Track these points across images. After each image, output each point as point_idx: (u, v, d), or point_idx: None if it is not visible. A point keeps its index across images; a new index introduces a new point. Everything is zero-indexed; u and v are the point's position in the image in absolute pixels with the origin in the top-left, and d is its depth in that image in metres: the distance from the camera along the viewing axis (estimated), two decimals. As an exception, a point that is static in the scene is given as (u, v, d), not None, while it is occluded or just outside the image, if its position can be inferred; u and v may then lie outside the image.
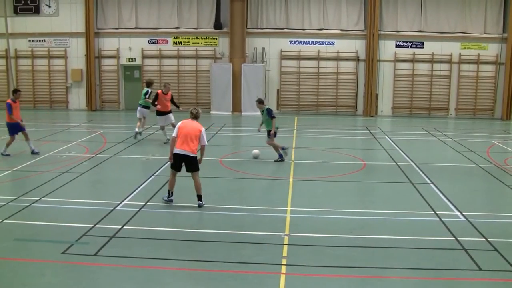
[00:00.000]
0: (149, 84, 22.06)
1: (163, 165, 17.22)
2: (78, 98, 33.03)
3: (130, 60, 32.44)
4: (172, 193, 13.30)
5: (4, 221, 11.98)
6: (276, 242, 10.59)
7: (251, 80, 30.43)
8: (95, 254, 10.04)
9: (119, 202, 13.28)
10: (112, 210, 12.70)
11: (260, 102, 18.43)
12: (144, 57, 32.23)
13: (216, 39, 31.58)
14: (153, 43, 32.10)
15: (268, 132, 18.15)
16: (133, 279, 9.10)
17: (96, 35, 32.33)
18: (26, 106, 33.25)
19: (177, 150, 12.86)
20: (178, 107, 21.87)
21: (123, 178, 16.16)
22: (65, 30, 32.55)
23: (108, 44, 32.57)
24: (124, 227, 11.52)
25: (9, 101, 18.84)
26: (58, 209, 13.02)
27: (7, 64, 33.44)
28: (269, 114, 17.95)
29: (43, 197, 13.76)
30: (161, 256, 9.91)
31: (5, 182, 15.61)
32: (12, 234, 11.25)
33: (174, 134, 13.00)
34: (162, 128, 21.41)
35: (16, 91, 19.32)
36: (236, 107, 30.88)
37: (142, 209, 12.76)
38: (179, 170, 13.17)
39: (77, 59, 32.77)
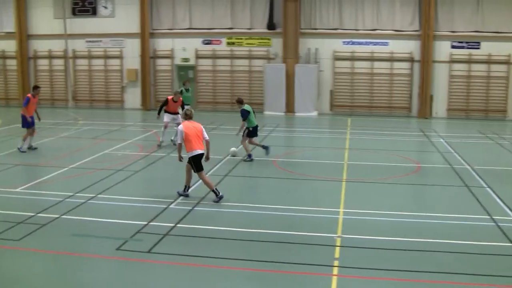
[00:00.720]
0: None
1: (217, 165, 17.36)
2: (133, 97, 33.55)
3: (184, 60, 32.79)
4: (188, 187, 13.86)
5: (62, 216, 12.31)
6: (328, 243, 10.56)
7: (304, 80, 30.37)
8: (149, 251, 10.21)
9: (173, 200, 13.46)
10: (165, 208, 12.89)
11: (238, 101, 18.57)
12: (198, 57, 32.53)
13: (270, 39, 31.63)
14: (207, 43, 32.36)
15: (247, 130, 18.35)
16: (185, 277, 9.23)
17: (151, 35, 32.78)
18: (83, 105, 34.12)
19: (198, 151, 13.40)
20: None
21: (176, 176, 16.30)
22: (121, 30, 33.13)
23: (162, 45, 32.99)
24: (177, 225, 11.68)
25: (29, 95, 19.81)
26: (113, 206, 13.28)
27: (65, 64, 34.26)
28: (241, 115, 18.10)
29: (99, 194, 14.06)
30: (213, 255, 10.00)
31: (62, 178, 16.01)
32: (69, 229, 11.55)
33: (180, 140, 13.49)
34: (166, 126, 21.22)
35: (36, 87, 20.44)
36: (289, 107, 30.87)
37: (195, 208, 12.90)
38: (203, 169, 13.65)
39: (132, 59, 33.30)
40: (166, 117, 21.06)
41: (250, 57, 31.91)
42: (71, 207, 12.95)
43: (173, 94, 21.38)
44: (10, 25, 34.70)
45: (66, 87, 34.57)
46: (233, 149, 18.65)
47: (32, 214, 12.41)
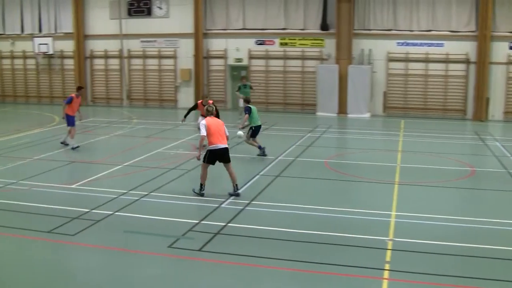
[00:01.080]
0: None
1: (269, 165, 17.40)
2: (186, 97, 33.85)
3: (237, 60, 32.95)
4: (204, 186, 14.00)
5: (115, 213, 12.55)
6: (380, 246, 10.47)
7: (357, 82, 30.13)
8: (200, 250, 10.31)
9: (224, 199, 13.56)
10: (217, 207, 12.99)
11: (246, 101, 19.95)
12: (251, 57, 32.64)
13: (323, 40, 31.50)
14: (260, 44, 32.44)
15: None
16: (235, 276, 9.28)
17: (204, 35, 33.06)
18: (137, 104, 34.61)
19: (220, 146, 13.71)
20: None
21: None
22: (175, 31, 33.50)
23: (216, 45, 33.23)
24: (229, 224, 11.75)
25: (73, 95, 20.35)
26: (166, 204, 13.46)
27: (120, 64, 34.87)
28: (244, 111, 19.38)
29: (151, 192, 14.27)
30: (263, 255, 10.03)
31: (117, 176, 16.31)
32: (122, 226, 11.78)
33: (204, 133, 13.71)
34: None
35: (80, 88, 21.17)
36: (342, 108, 30.68)
37: (246, 208, 12.96)
38: (214, 164, 14.02)
39: (186, 59, 33.64)
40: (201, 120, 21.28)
41: (303, 58, 31.84)
42: (124, 204, 13.19)
43: (202, 99, 21.60)
44: (68, 26, 35.55)
45: (121, 86, 35.17)
46: (239, 132, 18.59)
47: (87, 210, 12.69)
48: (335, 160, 18.73)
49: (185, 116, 21.17)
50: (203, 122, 13.89)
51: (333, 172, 16.93)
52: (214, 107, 14.45)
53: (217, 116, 14.78)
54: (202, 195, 13.92)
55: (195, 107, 21.06)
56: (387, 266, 9.52)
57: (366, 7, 30.72)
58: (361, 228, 11.61)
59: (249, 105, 19.24)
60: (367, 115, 30.24)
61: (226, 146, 13.91)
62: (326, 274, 9.27)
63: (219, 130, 13.83)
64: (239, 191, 13.96)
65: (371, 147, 21.33)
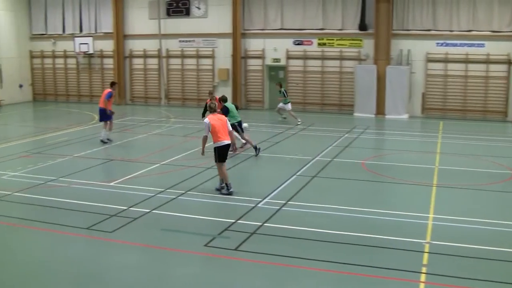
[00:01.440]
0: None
1: (306, 165, 17.37)
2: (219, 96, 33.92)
3: (275, 60, 32.94)
4: (230, 184, 14.18)
5: (153, 211, 12.70)
6: (417, 249, 10.37)
7: (396, 82, 29.84)
8: (236, 249, 10.36)
9: (261, 199, 13.58)
10: (253, 207, 13.03)
11: (221, 99, 19.65)
12: (288, 57, 32.59)
13: (361, 40, 31.28)
14: (298, 44, 32.37)
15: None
16: (270, 276, 9.30)
17: (242, 35, 33.12)
18: (175, 104, 34.86)
19: (225, 142, 14.21)
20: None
21: (265, 176, 16.49)
22: (213, 31, 33.65)
23: (254, 45, 33.26)
24: (265, 224, 11.78)
25: (111, 90, 21.25)
26: (202, 203, 13.56)
27: (159, 63, 35.16)
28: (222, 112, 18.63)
29: (188, 191, 14.39)
30: (299, 255, 10.03)
31: (154, 174, 16.47)
32: (159, 224, 11.91)
33: (206, 133, 14.20)
34: None
35: (115, 83, 22.50)
36: (380, 109, 30.43)
37: (282, 208, 12.97)
38: (225, 160, 14.42)
39: (224, 59, 33.75)
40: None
41: (341, 58, 31.66)
42: (161, 203, 13.32)
43: (209, 95, 22.17)
44: (108, 26, 36.01)
45: (159, 86, 35.46)
46: (245, 124, 19.60)
47: (125, 207, 12.86)
48: (372, 161, 18.60)
49: (203, 116, 21.35)
50: (206, 121, 14.24)
51: (370, 173, 16.82)
52: (216, 104, 14.97)
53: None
54: (231, 193, 14.10)
55: (205, 107, 21.28)
56: (424, 269, 9.43)
57: (405, 7, 30.39)
58: (398, 230, 11.52)
59: (225, 105, 19.24)
60: (405, 116, 29.95)
61: (230, 142, 14.50)
62: (362, 276, 9.21)
63: (222, 126, 14.29)
64: (231, 190, 14.20)
65: (409, 149, 21.14)
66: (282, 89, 27.52)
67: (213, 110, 14.55)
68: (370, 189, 15.29)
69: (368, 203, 13.52)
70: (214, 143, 14.24)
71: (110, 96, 21.11)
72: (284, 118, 28.14)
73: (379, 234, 11.18)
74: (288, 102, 27.38)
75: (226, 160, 14.54)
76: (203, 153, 14.65)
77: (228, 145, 14.38)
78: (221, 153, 14.21)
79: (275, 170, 17.26)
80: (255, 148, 19.11)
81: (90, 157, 18.85)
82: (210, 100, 20.55)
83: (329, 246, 10.59)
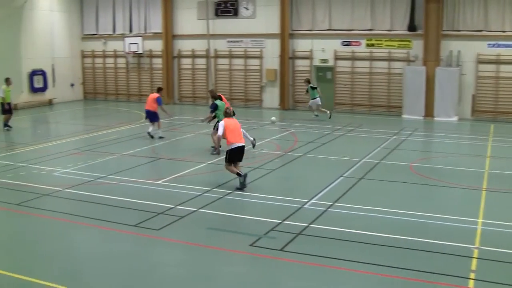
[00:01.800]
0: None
1: (353, 167, 17.27)
2: (271, 97, 34.02)
3: (323, 61, 32.82)
4: (244, 176, 14.75)
5: (199, 210, 12.81)
6: (465, 254, 10.20)
7: (445, 84, 29.39)
8: (281, 249, 10.37)
9: (307, 200, 13.57)
10: (300, 207, 13.02)
11: (212, 96, 20.16)
12: (336, 58, 32.42)
13: (410, 41, 30.90)
14: (346, 44, 32.16)
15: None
16: (316, 277, 9.27)
17: (290, 36, 33.09)
18: (222, 103, 34.97)
19: (237, 144, 14.80)
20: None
21: (312, 177, 16.45)
22: (261, 31, 33.72)
23: (301, 45, 33.20)
24: (311, 225, 11.76)
25: (158, 95, 22.43)
26: (249, 202, 13.61)
27: (207, 63, 35.42)
28: (210, 107, 19.55)
29: (234, 190, 14.46)
30: (345, 257, 9.98)
31: (201, 174, 16.62)
32: (206, 222, 12.01)
33: (220, 133, 14.84)
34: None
35: (161, 89, 23.64)
36: (429, 111, 30.00)
37: (329, 209, 12.93)
38: (235, 161, 15.03)
39: (271, 59, 33.77)
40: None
41: (389, 59, 31.35)
42: (208, 201, 13.44)
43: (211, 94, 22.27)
44: (157, 26, 36.47)
45: (207, 86, 35.70)
46: (273, 118, 21.63)
47: (172, 206, 13.01)
48: (420, 164, 18.36)
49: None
50: (221, 123, 14.98)
51: (418, 176, 16.61)
52: (232, 110, 15.87)
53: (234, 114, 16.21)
54: (244, 185, 14.70)
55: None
56: (472, 275, 9.27)
57: (456, 7, 29.86)
58: (445, 235, 11.34)
59: (216, 102, 19.47)
60: (455, 118, 29.47)
61: (243, 144, 15.01)
62: (407, 280, 9.12)
63: (236, 129, 14.95)
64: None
65: (458, 152, 20.83)
66: (309, 86, 28.87)
67: (228, 115, 15.30)
68: (417, 192, 15.09)
69: (415, 206, 13.35)
70: (227, 145, 14.87)
71: (161, 101, 22.41)
72: (317, 115, 29.11)
73: (426, 238, 11.04)
74: (317, 97, 28.70)
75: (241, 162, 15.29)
76: (218, 152, 16.33)
77: (240, 148, 14.89)
78: (231, 156, 14.88)
79: (321, 171, 17.21)
80: (215, 148, 19.34)
81: (139, 155, 19.12)
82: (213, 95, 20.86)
83: (375, 249, 10.52)
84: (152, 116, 22.26)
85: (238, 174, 14.69)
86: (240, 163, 15.15)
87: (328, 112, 28.68)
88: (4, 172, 16.67)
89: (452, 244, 10.70)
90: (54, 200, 13.88)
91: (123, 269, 9.62)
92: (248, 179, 14.92)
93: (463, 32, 29.72)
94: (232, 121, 15.08)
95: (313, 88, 28.69)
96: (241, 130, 15.17)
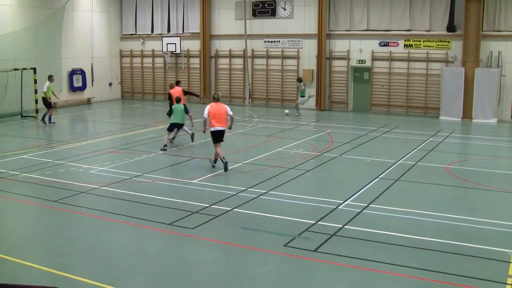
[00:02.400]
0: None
1: (389, 168, 17.14)
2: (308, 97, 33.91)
3: (360, 62, 32.62)
4: (215, 160, 17.16)
5: (234, 209, 12.85)
6: (502, 259, 10.03)
7: (484, 85, 28.92)
8: (315, 250, 10.35)
9: (342, 201, 13.51)
10: (334, 208, 12.97)
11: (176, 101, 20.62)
12: (374, 59, 32.20)
13: (449, 42, 30.52)
14: (384, 45, 31.91)
15: None
16: (350, 279, 9.24)
17: (328, 36, 32.96)
18: (259, 104, 35.07)
19: (217, 128, 16.62)
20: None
21: (347, 178, 16.37)
22: (299, 31, 33.67)
23: (339, 46, 33.03)
24: (345, 226, 11.71)
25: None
26: (283, 203, 13.60)
27: (244, 63, 35.49)
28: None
29: (269, 190, 14.47)
30: (379, 259, 9.91)
31: (236, 173, 16.66)
32: (240, 222, 12.05)
33: (205, 115, 16.69)
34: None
35: (179, 82, 25.09)
36: (467, 113, 29.57)
37: (364, 211, 12.85)
38: (217, 142, 16.81)
39: (308, 60, 33.70)
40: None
41: (427, 60, 31.01)
42: (242, 201, 13.48)
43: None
44: (195, 26, 36.73)
45: (244, 86, 35.79)
46: (286, 111, 25.27)
47: (206, 205, 13.08)
48: (457, 166, 18.11)
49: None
50: (207, 106, 16.83)
51: (454, 178, 16.39)
52: (219, 94, 17.47)
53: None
54: (213, 166, 17.13)
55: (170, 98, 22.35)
56: (509, 281, 9.11)
57: (497, 7, 29.34)
58: (482, 238, 11.18)
59: (174, 105, 20.40)
60: (494, 120, 29.00)
61: (223, 128, 16.79)
62: (442, 283, 9.00)
63: (219, 114, 16.63)
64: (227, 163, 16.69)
65: (497, 155, 20.50)
66: (302, 83, 30.77)
67: (215, 100, 16.95)
68: (454, 194, 14.90)
69: (452, 209, 13.17)
70: (209, 127, 16.68)
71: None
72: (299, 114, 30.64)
73: (462, 241, 10.90)
74: (303, 96, 30.75)
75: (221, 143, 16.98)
76: (204, 131, 17.32)
77: (219, 131, 16.68)
78: (213, 137, 16.76)
79: (357, 172, 17.11)
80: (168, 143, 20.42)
81: (174, 154, 19.27)
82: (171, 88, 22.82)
83: (410, 251, 10.42)
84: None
85: (221, 159, 16.63)
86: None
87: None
88: (43, 169, 16.98)
89: (488, 248, 10.54)
90: (91, 197, 14.09)
91: (158, 267, 9.70)
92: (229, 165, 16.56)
93: (504, 33, 29.19)
94: (216, 106, 16.74)
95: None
96: (228, 112, 16.73)
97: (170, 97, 22.24)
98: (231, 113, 16.88)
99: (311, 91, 32.98)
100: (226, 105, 16.98)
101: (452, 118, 29.41)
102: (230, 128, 17.47)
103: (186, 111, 20.71)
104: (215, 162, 17.20)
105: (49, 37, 33.55)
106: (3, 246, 10.75)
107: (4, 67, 29.18)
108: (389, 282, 9.10)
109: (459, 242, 10.83)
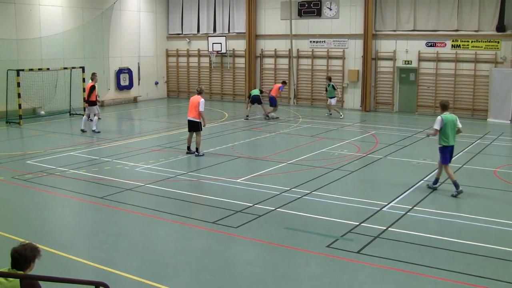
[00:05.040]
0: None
1: (434, 170, 16.90)
2: (353, 98, 33.73)
3: (406, 62, 32.26)
4: (189, 148, 19.16)
5: (277, 209, 12.87)
6: (551, 264, 9.82)
7: (535, 87, 28.32)
8: (358, 252, 10.30)
9: (386, 203, 13.40)
10: (378, 210, 12.87)
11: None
12: (420, 60, 31.79)
13: (498, 42, 29.93)
14: (431, 45, 31.48)
15: None
16: (394, 282, 9.15)
17: (374, 36, 32.69)
18: (304, 104, 35.02)
19: (188, 118, 18.90)
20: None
21: (391, 180, 16.21)
22: (344, 31, 33.47)
23: (385, 46, 32.73)
24: (389, 228, 11.61)
25: (281, 85, 25.64)
26: (327, 203, 13.55)
27: (289, 63, 35.47)
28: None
29: (313, 191, 14.44)
30: (424, 263, 9.79)
31: (281, 173, 16.68)
32: (283, 222, 12.05)
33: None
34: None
35: (285, 82, 26.52)
36: (516, 115, 29.00)
37: (408, 213, 12.72)
38: (190, 131, 19.11)
39: (354, 60, 33.48)
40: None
41: (475, 61, 30.48)
42: (286, 201, 13.48)
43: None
44: (240, 26, 36.89)
45: (289, 86, 35.71)
46: (272, 114, 26.95)
47: (250, 204, 13.13)
48: (505, 169, 17.75)
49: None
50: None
51: (502, 182, 16.07)
52: (201, 87, 19.25)
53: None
54: (190, 153, 19.04)
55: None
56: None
57: (550, 7, 28.70)
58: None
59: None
60: (544, 123, 28.35)
61: (192, 119, 18.70)
62: (487, 288, 8.87)
63: (192, 105, 18.67)
64: (198, 153, 18.82)
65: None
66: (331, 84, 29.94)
67: (198, 92, 18.87)
68: (501, 199, 14.58)
69: (499, 214, 12.91)
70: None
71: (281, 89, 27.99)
72: (330, 114, 30.50)
73: (509, 247, 10.68)
74: (333, 97, 29.88)
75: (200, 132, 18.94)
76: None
77: (190, 121, 18.80)
78: (188, 125, 19.04)
79: (402, 174, 16.94)
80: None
81: (219, 153, 19.38)
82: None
83: (454, 256, 10.26)
84: (271, 101, 23.71)
85: (187, 147, 19.09)
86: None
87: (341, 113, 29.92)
88: (90, 166, 17.30)
89: (537, 253, 10.32)
90: (136, 194, 14.29)
91: (201, 265, 9.79)
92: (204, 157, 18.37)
93: (556, 33, 28.48)
94: (193, 98, 18.84)
95: (334, 88, 29.82)
96: (199, 106, 18.41)
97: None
98: (201, 108, 18.50)
99: (356, 92, 32.76)
100: (201, 100, 18.51)
101: (501, 121, 28.83)
102: (203, 125, 19.04)
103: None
104: (188, 149, 19.11)
105: (98, 36, 34.14)
106: (52, 240, 10.98)
107: (54, 66, 29.81)
108: (432, 286, 8.98)
109: (506, 248, 10.62)
